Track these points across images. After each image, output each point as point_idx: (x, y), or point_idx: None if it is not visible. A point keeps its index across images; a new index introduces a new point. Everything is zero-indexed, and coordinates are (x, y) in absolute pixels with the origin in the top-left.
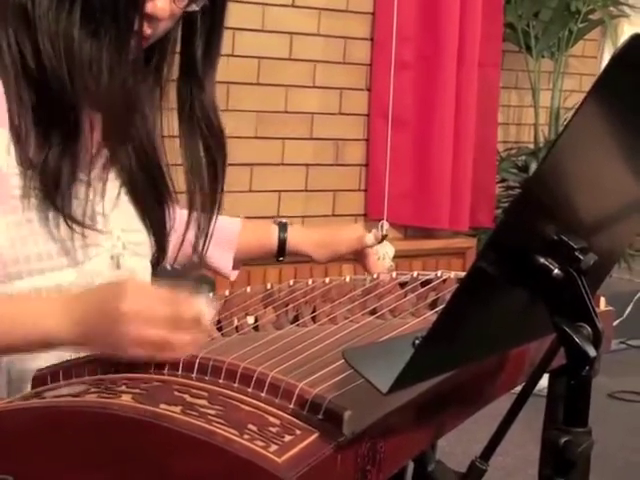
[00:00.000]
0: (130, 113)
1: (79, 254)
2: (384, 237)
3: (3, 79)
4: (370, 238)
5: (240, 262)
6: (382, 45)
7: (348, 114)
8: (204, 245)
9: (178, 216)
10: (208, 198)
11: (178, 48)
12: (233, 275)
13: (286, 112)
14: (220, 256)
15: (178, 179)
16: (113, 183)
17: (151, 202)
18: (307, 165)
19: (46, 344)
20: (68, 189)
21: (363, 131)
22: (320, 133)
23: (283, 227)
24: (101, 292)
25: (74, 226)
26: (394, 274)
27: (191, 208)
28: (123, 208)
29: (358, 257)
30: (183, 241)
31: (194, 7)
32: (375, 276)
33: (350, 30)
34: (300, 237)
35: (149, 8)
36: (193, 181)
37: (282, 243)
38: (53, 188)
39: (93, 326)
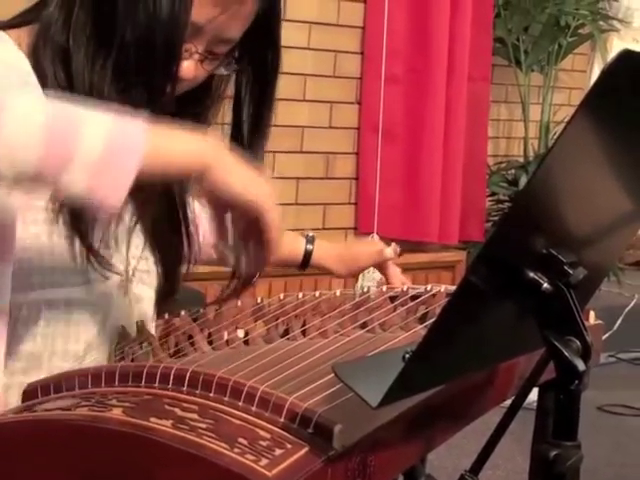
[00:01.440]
0: None
1: (92, 275)
2: (402, 252)
3: None
4: (390, 252)
5: None
6: (372, 59)
7: (338, 128)
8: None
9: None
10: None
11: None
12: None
13: (276, 125)
14: None
15: None
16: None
17: (170, 250)
18: (297, 179)
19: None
20: (93, 221)
21: (353, 144)
22: (310, 146)
23: (310, 239)
24: None
25: (93, 260)
26: (384, 288)
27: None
28: (135, 234)
29: (378, 269)
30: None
31: (222, 71)
32: (365, 289)
33: (340, 44)
34: (323, 251)
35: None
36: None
37: (308, 255)
38: (79, 219)
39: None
